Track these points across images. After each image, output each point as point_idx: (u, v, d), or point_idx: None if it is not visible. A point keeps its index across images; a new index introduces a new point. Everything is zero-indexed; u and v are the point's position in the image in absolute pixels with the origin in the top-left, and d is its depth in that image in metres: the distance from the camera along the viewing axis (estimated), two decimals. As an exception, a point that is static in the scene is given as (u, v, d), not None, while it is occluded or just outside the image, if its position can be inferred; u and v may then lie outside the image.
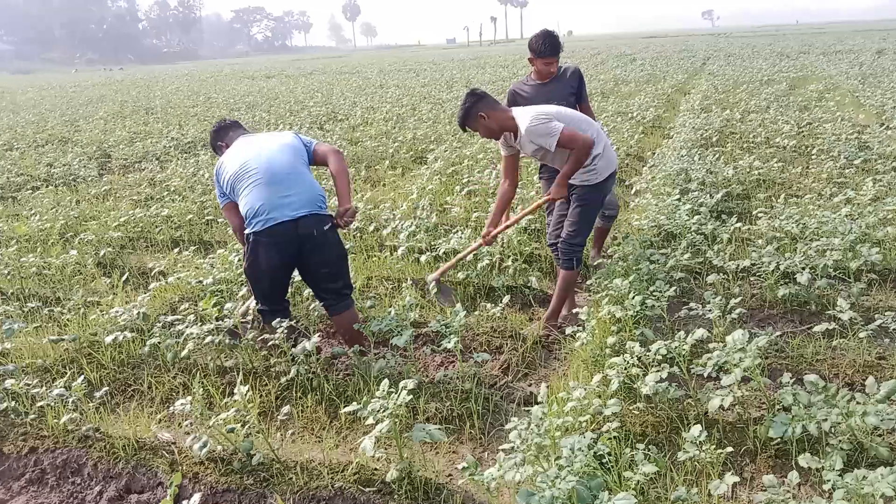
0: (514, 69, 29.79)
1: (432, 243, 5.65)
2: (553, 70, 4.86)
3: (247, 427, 3.10)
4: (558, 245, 4.48)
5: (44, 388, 3.52)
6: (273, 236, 3.71)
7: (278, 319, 3.72)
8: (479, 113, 4.12)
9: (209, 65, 71.69)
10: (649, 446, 2.72)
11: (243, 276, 4.93)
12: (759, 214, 5.66)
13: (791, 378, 2.93)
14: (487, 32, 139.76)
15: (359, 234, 6.23)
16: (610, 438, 2.80)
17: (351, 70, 38.10)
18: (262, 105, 18.83)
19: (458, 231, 5.70)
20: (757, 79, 18.26)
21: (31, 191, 9.04)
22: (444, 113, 14.14)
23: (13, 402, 3.59)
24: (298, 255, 3.83)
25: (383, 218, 6.42)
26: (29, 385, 3.57)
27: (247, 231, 3.80)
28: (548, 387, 3.71)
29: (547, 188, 4.65)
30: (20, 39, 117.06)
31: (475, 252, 4.92)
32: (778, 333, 3.72)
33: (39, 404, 3.46)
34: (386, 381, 3.02)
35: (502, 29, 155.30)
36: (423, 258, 5.36)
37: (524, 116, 4.13)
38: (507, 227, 4.63)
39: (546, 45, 4.79)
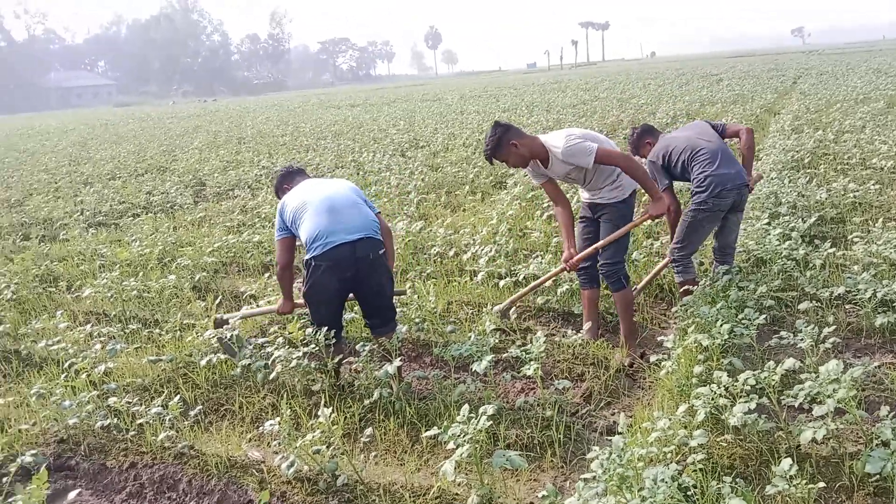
0: (595, 92, 29.60)
1: (512, 268, 5.67)
2: (644, 153, 5.02)
3: (331, 448, 3.19)
4: (600, 270, 4.54)
5: (143, 406, 3.73)
6: (332, 258, 3.88)
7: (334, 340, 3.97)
8: (510, 141, 4.24)
9: (297, 95, 74.25)
10: (736, 479, 2.63)
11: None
12: (855, 239, 5.42)
13: (890, 411, 2.79)
14: (568, 56, 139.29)
15: (439, 259, 6.31)
16: (695, 470, 2.74)
17: (432, 97, 38.70)
18: (347, 133, 19.35)
19: (538, 256, 5.70)
20: (851, 97, 17.52)
21: (131, 218, 9.58)
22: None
23: (115, 419, 3.81)
24: (354, 279, 3.99)
25: (463, 243, 6.48)
26: (129, 403, 3.80)
27: (307, 256, 3.98)
28: (631, 416, 3.67)
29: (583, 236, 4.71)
30: (122, 74, 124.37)
31: (557, 275, 4.93)
32: (876, 364, 3.55)
33: (139, 421, 3.66)
34: (466, 406, 3.05)
35: (583, 52, 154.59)
36: (502, 283, 5.39)
37: (557, 140, 4.27)
38: (595, 249, 4.54)
39: (629, 144, 5.17)
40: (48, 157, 19.60)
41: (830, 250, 5.01)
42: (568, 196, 4.82)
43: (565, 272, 4.72)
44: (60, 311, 5.54)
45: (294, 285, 4.47)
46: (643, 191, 4.43)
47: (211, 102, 70.34)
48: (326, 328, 3.94)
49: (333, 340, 3.97)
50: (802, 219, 6.09)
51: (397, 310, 4.80)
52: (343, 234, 3.89)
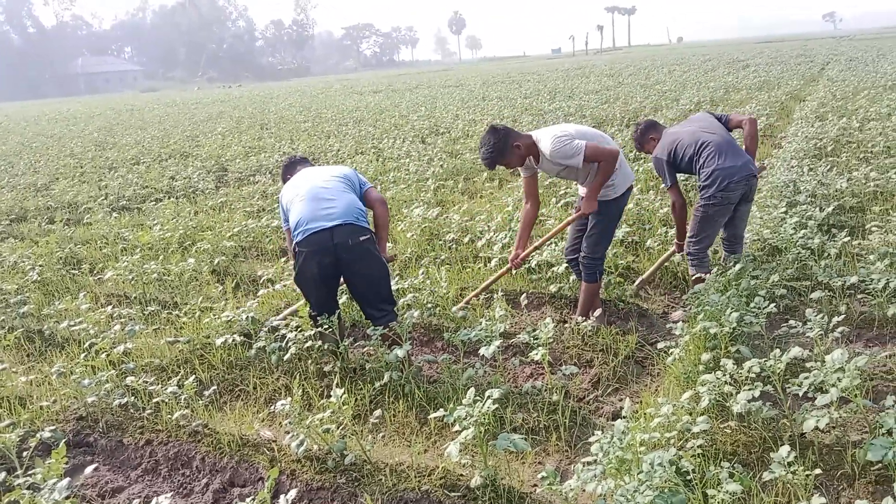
0: (619, 78, 29.34)
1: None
2: (649, 148, 5.01)
3: (341, 428, 3.26)
4: (580, 260, 4.66)
5: (160, 385, 3.83)
6: (311, 245, 3.94)
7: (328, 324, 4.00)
8: (514, 143, 4.27)
9: (320, 81, 74.33)
10: (735, 465, 2.66)
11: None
12: (873, 228, 5.37)
13: None
14: (594, 41, 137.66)
15: (454, 246, 6.35)
16: (694, 455, 2.77)
17: (455, 83, 38.58)
18: (368, 119, 19.40)
19: (551, 244, 5.71)
20: (880, 84, 17.20)
21: (154, 202, 9.74)
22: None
23: (133, 398, 3.92)
24: (337, 265, 4.02)
25: (478, 230, 6.51)
26: (147, 382, 3.89)
27: (293, 244, 4.07)
28: (638, 402, 3.70)
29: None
30: (148, 60, 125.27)
31: (504, 275, 4.98)
32: (886, 354, 3.54)
33: (155, 400, 3.77)
34: (472, 389, 3.10)
35: (609, 37, 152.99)
36: (515, 270, 5.40)
37: (545, 139, 4.27)
38: (537, 247, 4.83)
39: (634, 140, 5.19)
40: (74, 141, 19.90)
41: (846, 239, 4.97)
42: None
43: (511, 271, 4.82)
44: (83, 292, 5.66)
45: None
46: (632, 186, 4.57)
47: (235, 88, 70.66)
48: (328, 315, 4.01)
49: (330, 326, 4.01)
50: (820, 207, 6.03)
51: (410, 296, 4.87)
52: (322, 221, 3.95)
